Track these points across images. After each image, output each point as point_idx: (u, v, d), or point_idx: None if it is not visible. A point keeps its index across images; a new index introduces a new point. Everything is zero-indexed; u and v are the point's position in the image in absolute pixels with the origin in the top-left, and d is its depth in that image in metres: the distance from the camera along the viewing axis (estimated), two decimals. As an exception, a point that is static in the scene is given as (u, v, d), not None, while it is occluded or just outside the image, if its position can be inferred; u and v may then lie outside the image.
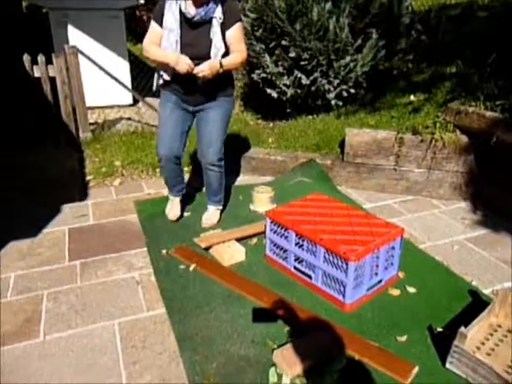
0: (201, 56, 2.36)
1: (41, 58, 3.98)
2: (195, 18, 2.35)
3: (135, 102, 5.51)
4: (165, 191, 3.44)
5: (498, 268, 2.47)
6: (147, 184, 3.59)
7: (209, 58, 2.38)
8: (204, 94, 2.52)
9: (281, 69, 3.77)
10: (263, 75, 3.87)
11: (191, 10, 2.34)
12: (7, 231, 2.78)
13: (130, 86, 5.25)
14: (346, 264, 2.02)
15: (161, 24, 2.40)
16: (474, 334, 1.89)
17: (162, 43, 2.41)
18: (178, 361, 1.83)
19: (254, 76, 3.99)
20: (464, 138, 3.06)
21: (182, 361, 1.82)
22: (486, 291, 2.26)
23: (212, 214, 2.90)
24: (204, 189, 2.95)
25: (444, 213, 3.09)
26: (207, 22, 2.37)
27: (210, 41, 2.38)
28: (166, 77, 2.51)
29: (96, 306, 2.16)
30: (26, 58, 3.95)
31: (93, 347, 1.90)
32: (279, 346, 1.85)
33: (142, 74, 5.36)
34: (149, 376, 1.76)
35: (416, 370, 1.76)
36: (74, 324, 2.04)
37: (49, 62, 4.06)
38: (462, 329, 1.73)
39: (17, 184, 3.44)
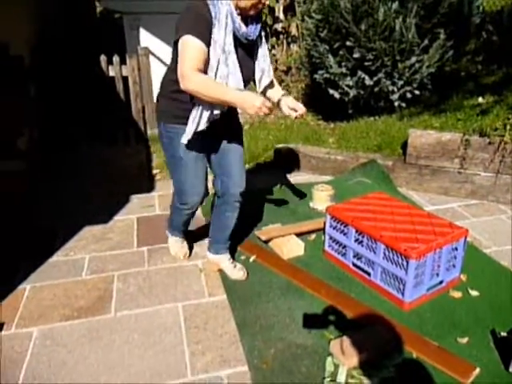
0: (245, 82, 1.94)
1: (116, 59, 4.26)
2: (250, 38, 1.90)
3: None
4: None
5: None
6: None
7: (248, 83, 2.02)
8: (232, 125, 2.16)
9: (344, 69, 3.78)
10: (326, 76, 3.90)
11: (243, 28, 1.87)
12: (82, 217, 3.02)
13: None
14: (407, 262, 2.01)
15: (208, 43, 1.78)
16: (541, 341, 1.82)
17: (221, 70, 1.82)
18: (237, 344, 1.91)
19: (317, 76, 4.03)
20: (536, 142, 2.93)
21: (241, 344, 1.90)
22: (556, 299, 2.16)
23: (233, 264, 2.40)
24: (210, 237, 2.43)
25: (511, 218, 2.97)
26: (254, 43, 1.97)
27: (253, 64, 2.01)
28: (203, 125, 1.91)
29: (161, 288, 2.29)
30: (103, 58, 4.24)
31: (158, 326, 2.03)
32: (336, 338, 1.88)
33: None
34: (210, 355, 1.85)
35: (477, 371, 1.72)
36: (142, 304, 2.18)
37: (122, 62, 4.34)
38: (529, 333, 1.68)
39: (91, 175, 3.71)
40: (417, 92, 3.86)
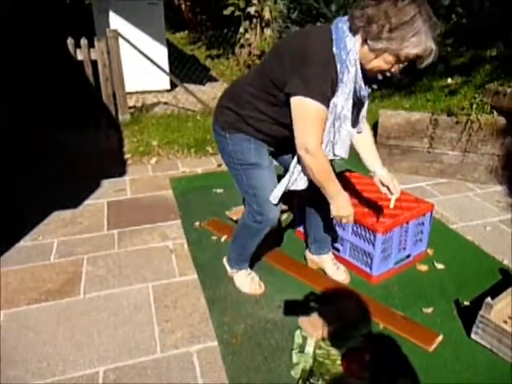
0: None
1: (83, 42, 4.15)
2: (365, 98, 1.68)
3: (172, 87, 5.66)
4: (198, 169, 3.57)
5: (531, 249, 2.43)
6: (182, 163, 3.70)
7: None
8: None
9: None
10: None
11: (363, 90, 1.61)
12: (52, 202, 2.95)
13: (167, 71, 5.39)
14: (374, 236, 2.04)
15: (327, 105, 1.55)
16: (502, 309, 1.88)
17: (330, 135, 1.64)
18: (207, 321, 1.92)
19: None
20: (501, 120, 2.99)
21: (211, 321, 1.91)
22: (518, 270, 2.24)
23: (336, 266, 2.22)
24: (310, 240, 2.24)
25: (478, 195, 3.04)
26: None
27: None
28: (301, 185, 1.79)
29: (132, 270, 2.28)
30: (70, 41, 4.13)
31: (128, 305, 2.02)
32: (305, 312, 1.91)
33: (180, 66, 5.50)
34: (180, 332, 1.85)
35: (440, 338, 1.77)
36: (112, 285, 2.16)
37: (91, 46, 4.24)
38: (489, 299, 1.73)
39: (60, 160, 3.63)
40: (388, 74, 3.88)
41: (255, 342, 1.79)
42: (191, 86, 5.31)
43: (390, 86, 4.06)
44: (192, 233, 2.60)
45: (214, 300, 2.04)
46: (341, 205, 1.70)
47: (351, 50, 1.47)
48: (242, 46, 5.87)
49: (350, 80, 1.51)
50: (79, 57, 4.22)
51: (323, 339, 1.78)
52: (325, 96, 1.51)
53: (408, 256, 2.24)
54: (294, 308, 1.97)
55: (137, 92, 5.51)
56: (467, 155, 3.17)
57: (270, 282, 2.13)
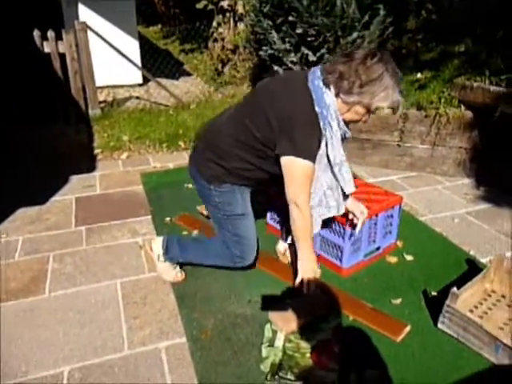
0: None
1: (50, 34, 4.03)
2: (348, 136, 1.79)
3: (145, 81, 5.57)
4: (170, 164, 3.52)
5: (496, 239, 2.48)
6: (153, 158, 3.65)
7: None
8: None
9: (288, 45, 3.76)
10: (270, 52, 3.87)
11: (348, 132, 1.75)
12: (17, 199, 2.87)
13: (139, 65, 5.30)
14: (344, 229, 2.05)
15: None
16: (467, 298, 1.92)
17: (319, 187, 1.80)
18: (176, 317, 1.89)
19: (262, 53, 4.00)
20: (468, 114, 3.05)
21: (180, 317, 1.89)
22: (484, 260, 2.28)
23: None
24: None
25: (447, 188, 3.10)
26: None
27: None
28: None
29: (100, 267, 2.23)
30: (37, 33, 4.00)
31: (95, 303, 1.97)
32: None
33: (153, 60, 5.41)
34: (148, 329, 1.82)
35: (408, 328, 1.80)
36: (79, 282, 2.11)
37: (59, 38, 4.12)
38: (454, 289, 1.76)
39: (28, 156, 3.53)
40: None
41: (225, 337, 1.77)
42: (164, 81, 5.24)
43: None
44: (163, 228, 2.56)
45: (184, 296, 2.01)
46: (308, 267, 1.77)
47: (330, 105, 1.61)
48: (216, 41, 5.81)
49: (334, 132, 1.64)
50: (46, 49, 4.10)
51: (293, 333, 1.77)
52: (312, 154, 1.64)
53: (378, 248, 2.26)
54: (269, 303, 1.96)
55: (108, 86, 5.40)
56: (436, 149, 3.22)
57: (240, 277, 2.12)
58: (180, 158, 3.63)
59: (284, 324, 1.77)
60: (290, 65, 3.85)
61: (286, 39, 3.76)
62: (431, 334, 1.80)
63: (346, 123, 1.71)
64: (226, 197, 1.87)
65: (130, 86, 5.56)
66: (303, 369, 1.60)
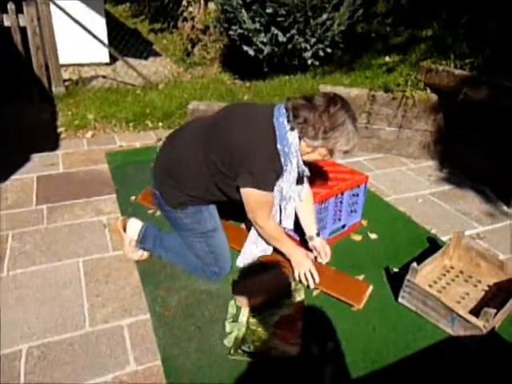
0: None
1: (10, 6, 3.84)
2: (306, 174, 1.89)
3: (112, 61, 5.40)
4: (137, 143, 3.45)
5: (457, 218, 2.56)
6: (120, 137, 3.56)
7: None
8: None
9: (258, 25, 3.72)
10: (240, 31, 3.83)
11: (306, 170, 1.85)
12: (-26, 177, 2.75)
13: (106, 43, 5.13)
14: (310, 207, 2.06)
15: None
16: (427, 274, 1.98)
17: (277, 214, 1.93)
18: (140, 294, 1.87)
19: (232, 33, 3.94)
20: (434, 97, 3.10)
21: (144, 295, 1.86)
22: (444, 238, 2.35)
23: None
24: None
25: (412, 170, 3.16)
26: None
27: None
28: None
29: (61, 245, 2.17)
30: (-5, 5, 3.81)
31: (56, 282, 1.92)
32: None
33: (120, 38, 5.25)
34: (110, 307, 1.79)
35: (370, 289, 1.84)
36: (39, 261, 2.05)
37: (20, 11, 3.93)
38: (414, 264, 1.80)
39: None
40: (329, 50, 3.92)
41: (189, 314, 1.76)
42: (132, 60, 5.09)
43: (331, 62, 4.10)
44: (127, 207, 2.51)
45: (149, 273, 1.99)
46: (298, 261, 1.91)
47: (292, 144, 1.67)
48: (185, 20, 5.68)
49: (293, 169, 1.73)
50: (6, 23, 3.91)
51: (257, 308, 1.78)
52: (271, 185, 1.73)
53: (343, 226, 2.29)
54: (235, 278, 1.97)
55: (73, 64, 5.20)
56: (402, 131, 3.27)
57: (207, 254, 2.10)
58: (147, 138, 3.56)
59: (248, 300, 1.78)
60: (260, 45, 3.82)
61: (256, 19, 3.72)
62: (392, 308, 1.84)
63: (305, 162, 1.80)
64: (194, 218, 1.89)
65: (97, 64, 5.38)
66: (266, 343, 1.61)
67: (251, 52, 3.92)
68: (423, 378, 1.56)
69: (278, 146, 1.67)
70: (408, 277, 1.81)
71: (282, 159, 1.70)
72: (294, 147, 1.69)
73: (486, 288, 1.97)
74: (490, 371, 1.59)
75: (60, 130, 3.57)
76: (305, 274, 1.88)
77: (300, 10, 3.57)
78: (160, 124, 3.77)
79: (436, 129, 3.18)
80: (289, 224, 1.98)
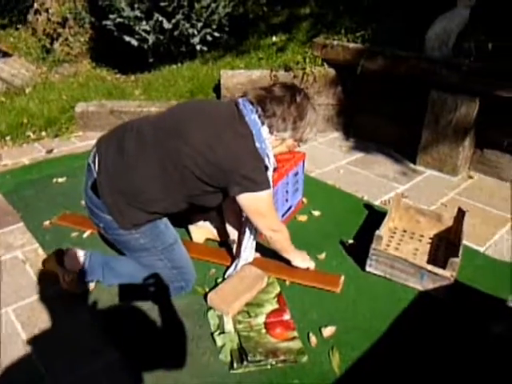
0: None
1: None
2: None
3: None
4: (24, 159, 2.97)
5: (379, 182, 2.72)
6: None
7: None
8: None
9: (138, 12, 3.43)
10: (119, 20, 3.48)
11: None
12: None
13: None
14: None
15: None
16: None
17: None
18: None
19: (109, 22, 3.57)
20: (332, 71, 3.23)
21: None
22: (377, 202, 2.49)
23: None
24: None
25: (322, 144, 3.27)
26: None
27: None
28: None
29: (-24, 296, 1.76)
30: None
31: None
32: (210, 290, 1.76)
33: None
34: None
35: (342, 278, 1.85)
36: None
37: None
38: (378, 232, 1.86)
39: None
40: (216, 34, 3.82)
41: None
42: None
43: (219, 47, 4.00)
44: (44, 234, 2.14)
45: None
46: (300, 263, 1.88)
47: (266, 139, 1.62)
48: (38, 13, 5.01)
49: (271, 164, 1.66)
50: None
51: (239, 312, 1.67)
52: (267, 182, 1.62)
53: (290, 207, 2.27)
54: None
55: None
56: (306, 108, 3.34)
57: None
58: (34, 151, 3.08)
59: (227, 306, 1.66)
60: (143, 34, 3.54)
61: (136, 5, 3.42)
62: (362, 278, 1.89)
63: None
64: (152, 234, 1.67)
65: None
66: (267, 346, 1.51)
67: (134, 42, 3.62)
68: (418, 335, 1.62)
69: (257, 144, 1.58)
70: (374, 245, 1.86)
71: (266, 159, 1.61)
72: (268, 142, 1.63)
73: (429, 240, 2.14)
74: (463, 314, 1.72)
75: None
76: None
77: (183, -6, 3.39)
78: (44, 133, 3.30)
79: (337, 102, 3.32)
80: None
